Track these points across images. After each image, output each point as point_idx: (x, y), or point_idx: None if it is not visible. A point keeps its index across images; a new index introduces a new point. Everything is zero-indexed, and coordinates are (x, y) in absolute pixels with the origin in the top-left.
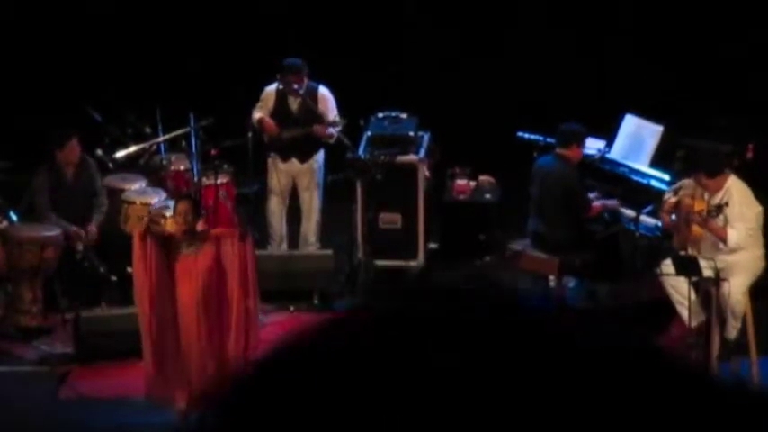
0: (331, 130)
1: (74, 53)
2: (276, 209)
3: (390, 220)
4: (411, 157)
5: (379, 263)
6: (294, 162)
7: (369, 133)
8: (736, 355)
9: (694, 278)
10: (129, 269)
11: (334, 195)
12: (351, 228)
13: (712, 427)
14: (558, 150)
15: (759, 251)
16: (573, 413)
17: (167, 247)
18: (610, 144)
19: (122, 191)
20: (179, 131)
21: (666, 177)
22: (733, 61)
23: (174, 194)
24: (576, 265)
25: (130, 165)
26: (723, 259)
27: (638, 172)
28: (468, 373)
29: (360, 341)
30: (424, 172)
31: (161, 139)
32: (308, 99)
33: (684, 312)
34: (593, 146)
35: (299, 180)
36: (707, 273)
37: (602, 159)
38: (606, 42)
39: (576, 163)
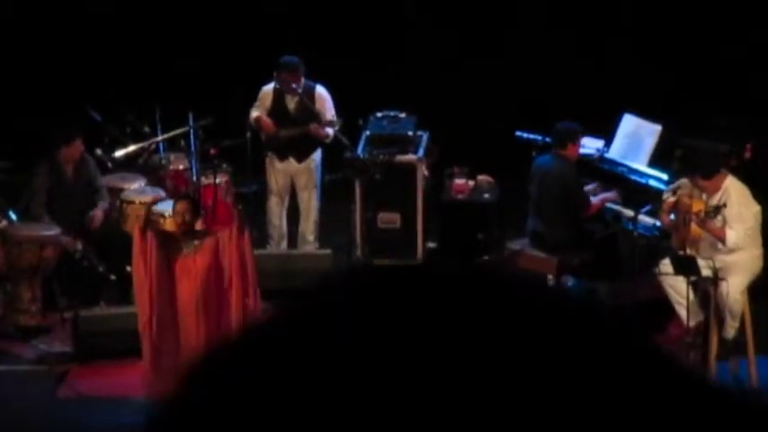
0: (328, 130)
1: (73, 53)
2: (275, 208)
3: (389, 219)
4: (410, 157)
5: (378, 262)
6: (291, 161)
7: (367, 133)
8: (735, 355)
9: (693, 278)
10: (128, 268)
11: (333, 195)
12: (349, 227)
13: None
14: (556, 150)
15: (757, 251)
16: (568, 412)
17: (167, 245)
18: (608, 143)
19: (121, 190)
20: (178, 131)
21: (665, 177)
22: (732, 61)
23: (174, 194)
24: (575, 264)
25: (129, 164)
26: (721, 259)
27: (636, 171)
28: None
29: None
30: (422, 171)
31: (160, 138)
32: (306, 98)
33: (683, 312)
34: (591, 145)
35: (296, 180)
36: (705, 272)
37: (601, 159)
38: (605, 42)
39: (573, 161)
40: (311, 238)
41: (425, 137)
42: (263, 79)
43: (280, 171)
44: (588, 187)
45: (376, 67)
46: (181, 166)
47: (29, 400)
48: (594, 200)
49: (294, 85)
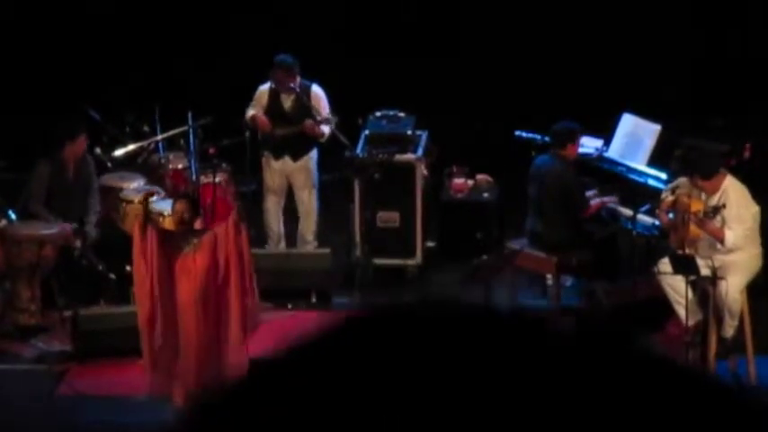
0: (324, 128)
1: (72, 52)
2: (272, 208)
3: (388, 218)
4: (409, 156)
5: (377, 261)
6: (287, 160)
7: (367, 132)
8: (734, 354)
9: (692, 277)
10: (127, 267)
11: (332, 194)
12: (349, 226)
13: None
14: (555, 150)
15: (756, 250)
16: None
17: (167, 243)
18: (607, 143)
19: (121, 189)
20: (177, 130)
21: (664, 176)
22: (730, 61)
23: (173, 193)
24: (574, 263)
25: (129, 163)
26: (720, 258)
27: (635, 171)
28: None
29: (360, 344)
30: (421, 171)
31: (159, 137)
32: (303, 96)
33: (682, 311)
34: (590, 144)
35: (294, 179)
36: (704, 272)
37: (600, 158)
38: (603, 41)
39: (572, 160)
40: (310, 237)
41: (425, 136)
42: (263, 79)
43: (276, 170)
44: (587, 194)
45: (375, 67)
46: (180, 166)
47: (28, 399)
48: (594, 201)
49: (292, 84)
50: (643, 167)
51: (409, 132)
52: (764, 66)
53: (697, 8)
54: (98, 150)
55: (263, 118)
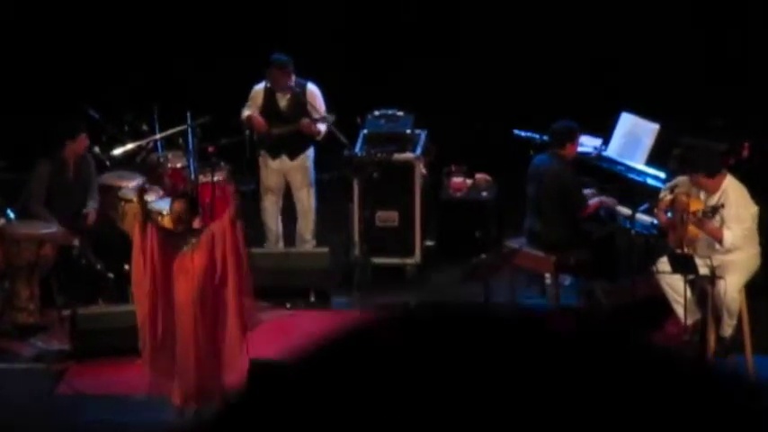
0: (320, 126)
1: (71, 51)
2: (270, 207)
3: (387, 217)
4: (408, 155)
5: (376, 261)
6: (284, 160)
7: (365, 131)
8: (732, 353)
9: (690, 276)
10: (126, 266)
11: (331, 193)
12: (347, 226)
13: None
14: (554, 149)
15: (754, 250)
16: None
17: (166, 242)
18: (606, 142)
19: (119, 188)
20: (176, 129)
21: (662, 175)
22: (730, 61)
23: (171, 192)
24: (572, 263)
25: (127, 162)
26: (719, 258)
27: (634, 170)
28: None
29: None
30: (420, 170)
31: (158, 136)
32: (300, 94)
33: (680, 310)
34: (589, 144)
35: (291, 179)
36: (703, 271)
37: (599, 157)
38: (602, 40)
39: (571, 160)
40: (309, 236)
41: (423, 135)
42: (262, 78)
43: (273, 170)
44: (585, 192)
45: (374, 66)
46: (179, 165)
47: (27, 398)
48: (592, 200)
49: (290, 83)
50: (642, 166)
51: (408, 131)
52: (764, 66)
53: (697, 8)
54: (96, 149)
55: (258, 118)
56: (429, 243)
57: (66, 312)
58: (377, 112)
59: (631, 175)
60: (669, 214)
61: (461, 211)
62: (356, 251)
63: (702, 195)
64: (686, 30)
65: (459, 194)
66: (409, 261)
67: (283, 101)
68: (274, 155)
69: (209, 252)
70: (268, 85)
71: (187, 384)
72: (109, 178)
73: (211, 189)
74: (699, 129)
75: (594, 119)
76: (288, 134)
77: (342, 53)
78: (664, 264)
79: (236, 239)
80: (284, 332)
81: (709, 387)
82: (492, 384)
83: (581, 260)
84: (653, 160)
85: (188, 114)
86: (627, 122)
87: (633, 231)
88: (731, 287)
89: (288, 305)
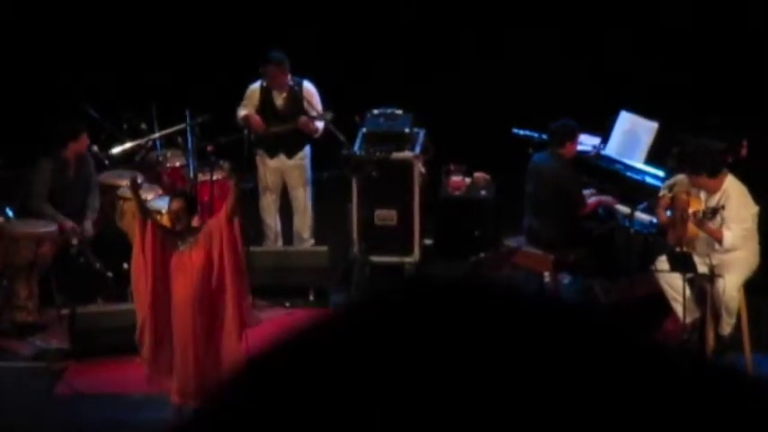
0: (318, 124)
1: (70, 50)
2: (268, 207)
3: (386, 216)
4: (406, 154)
5: (375, 259)
6: (282, 158)
7: (364, 130)
8: (731, 352)
9: (689, 275)
10: (125, 265)
11: (330, 192)
12: (346, 224)
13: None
14: (553, 148)
15: (754, 249)
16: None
17: (165, 240)
18: (605, 141)
19: (118, 187)
20: (175, 128)
21: (661, 174)
22: (729, 60)
23: (170, 190)
24: (571, 261)
25: (126, 161)
26: (718, 256)
27: (633, 169)
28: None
29: (353, 337)
30: (419, 168)
31: (157, 135)
32: (297, 92)
33: (679, 309)
34: (588, 142)
35: (288, 177)
36: (701, 269)
37: (598, 156)
38: (602, 39)
39: (570, 159)
40: (307, 235)
41: (422, 134)
42: (261, 76)
43: (271, 168)
44: (584, 191)
45: (373, 65)
46: (177, 163)
47: (26, 397)
48: (591, 198)
49: (290, 82)
50: (641, 165)
51: (406, 130)
52: (763, 65)
53: (697, 8)
54: (95, 148)
55: (256, 118)
56: (428, 242)
57: (65, 311)
58: (376, 111)
59: (630, 174)
60: (668, 213)
61: (460, 210)
62: (355, 250)
63: (702, 195)
64: (686, 29)
65: (457, 193)
66: (408, 260)
67: (280, 99)
68: (272, 153)
69: (207, 248)
70: (264, 83)
71: (186, 382)
72: (107, 177)
73: (210, 188)
74: (697, 127)
75: (593, 117)
76: (285, 132)
77: (341, 52)
78: (663, 262)
79: (233, 236)
80: (283, 330)
81: (709, 385)
82: (484, 383)
83: (580, 259)
84: (652, 159)
85: (187, 113)
86: (626, 121)
87: (632, 230)
88: (730, 286)
89: (287, 304)
